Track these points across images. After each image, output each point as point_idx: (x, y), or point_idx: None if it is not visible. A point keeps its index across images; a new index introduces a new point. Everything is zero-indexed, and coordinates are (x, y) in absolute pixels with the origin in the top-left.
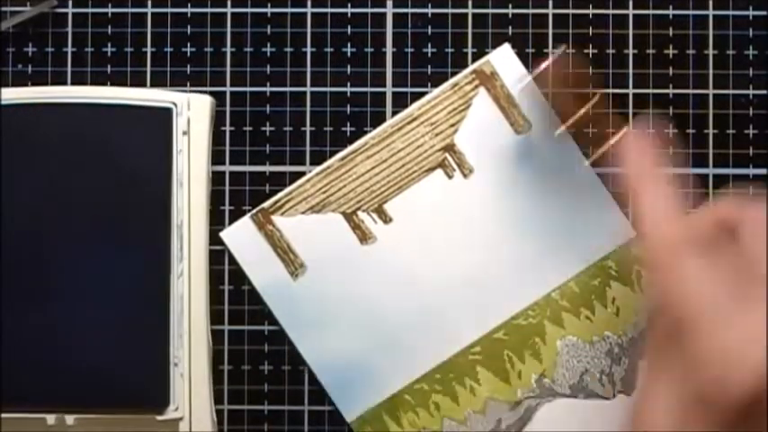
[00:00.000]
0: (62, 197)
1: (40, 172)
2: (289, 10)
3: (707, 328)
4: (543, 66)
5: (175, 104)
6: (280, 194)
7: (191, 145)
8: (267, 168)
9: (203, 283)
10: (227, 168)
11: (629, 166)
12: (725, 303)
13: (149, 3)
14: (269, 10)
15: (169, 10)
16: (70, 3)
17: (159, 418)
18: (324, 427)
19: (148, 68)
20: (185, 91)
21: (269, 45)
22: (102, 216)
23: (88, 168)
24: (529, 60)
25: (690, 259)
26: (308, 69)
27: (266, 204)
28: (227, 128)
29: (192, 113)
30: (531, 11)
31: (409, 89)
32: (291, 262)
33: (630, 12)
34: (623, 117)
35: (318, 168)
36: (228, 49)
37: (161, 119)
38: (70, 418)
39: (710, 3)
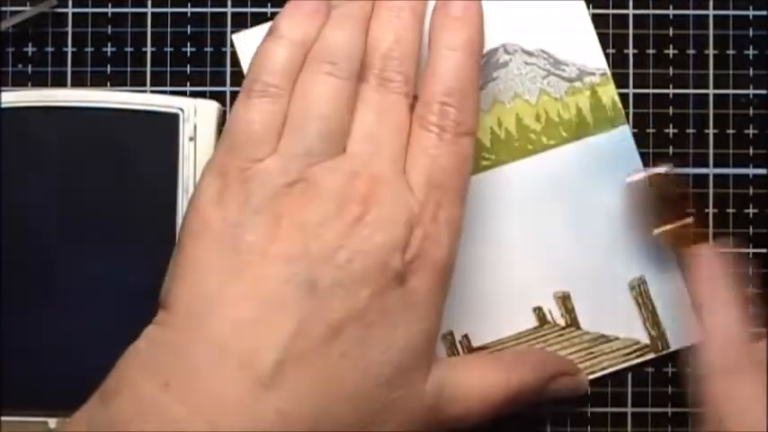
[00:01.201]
0: (66, 202)
1: (45, 176)
2: None
3: None
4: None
5: (182, 110)
6: None
7: (197, 151)
8: None
9: None
10: None
11: (702, 284)
12: None
13: (149, 3)
14: (269, 10)
15: (169, 10)
16: (70, 3)
17: None
18: None
19: (148, 68)
20: (185, 91)
21: None
22: (107, 221)
23: (93, 173)
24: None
25: (746, 387)
26: None
27: None
28: None
29: (199, 119)
30: None
31: None
32: None
33: (630, 12)
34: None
35: None
36: (228, 49)
37: (167, 125)
38: None
39: (710, 3)
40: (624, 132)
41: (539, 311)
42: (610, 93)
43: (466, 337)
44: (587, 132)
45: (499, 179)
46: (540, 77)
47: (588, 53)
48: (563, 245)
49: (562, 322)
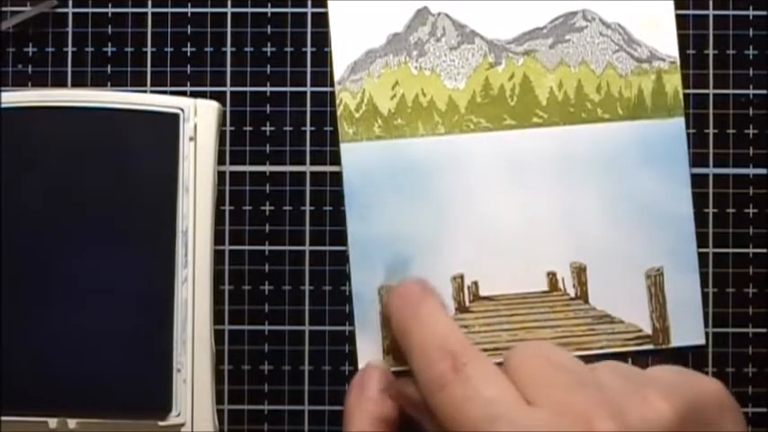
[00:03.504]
0: (67, 202)
1: (46, 176)
2: (289, 10)
3: None
4: None
5: (182, 110)
6: None
7: (197, 151)
8: (267, 168)
9: (207, 288)
10: (228, 168)
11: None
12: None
13: (149, 3)
14: (269, 10)
15: (169, 10)
16: (70, 3)
17: (161, 423)
18: (324, 427)
19: (148, 68)
20: (185, 91)
21: (269, 45)
22: (107, 221)
23: (93, 173)
24: None
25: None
26: (308, 69)
27: None
28: (228, 128)
29: (199, 119)
30: None
31: None
32: None
33: None
34: None
35: None
36: (228, 49)
37: (168, 124)
38: (72, 422)
39: (710, 3)
40: (679, 124)
41: (552, 277)
42: (674, 82)
43: (475, 283)
44: (643, 115)
45: (545, 139)
46: (611, 51)
47: (663, 39)
48: (591, 219)
49: (572, 293)
